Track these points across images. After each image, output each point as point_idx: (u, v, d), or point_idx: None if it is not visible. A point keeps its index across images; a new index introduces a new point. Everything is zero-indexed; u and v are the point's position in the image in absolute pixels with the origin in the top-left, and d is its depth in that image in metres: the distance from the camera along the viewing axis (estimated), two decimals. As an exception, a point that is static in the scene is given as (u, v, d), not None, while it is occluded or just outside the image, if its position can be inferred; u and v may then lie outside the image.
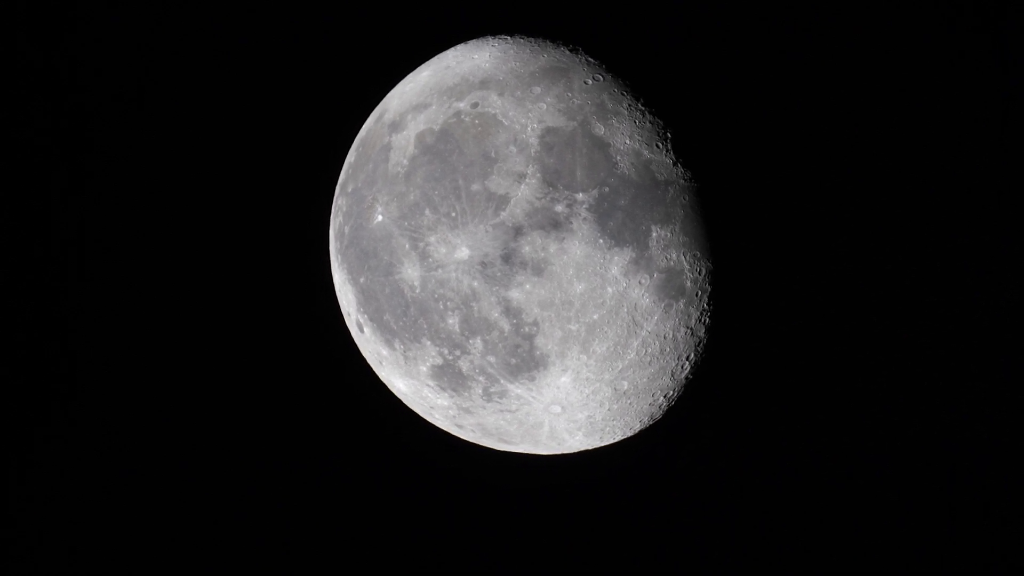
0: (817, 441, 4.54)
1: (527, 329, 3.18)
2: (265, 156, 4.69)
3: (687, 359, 3.42)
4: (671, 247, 3.18)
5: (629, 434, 3.73)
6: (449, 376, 3.37)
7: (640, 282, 3.17)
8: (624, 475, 4.60)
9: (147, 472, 4.79)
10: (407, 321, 3.32)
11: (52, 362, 4.74)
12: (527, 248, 3.11)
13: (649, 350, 3.28)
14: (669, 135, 3.24)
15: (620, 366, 3.28)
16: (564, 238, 3.10)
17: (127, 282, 4.73)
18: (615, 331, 3.20)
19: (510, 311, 3.16)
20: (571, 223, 3.10)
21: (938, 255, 4.43)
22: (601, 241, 3.11)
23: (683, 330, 3.31)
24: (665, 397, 3.52)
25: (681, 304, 3.26)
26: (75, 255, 4.73)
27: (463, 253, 3.16)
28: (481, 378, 3.32)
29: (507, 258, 3.11)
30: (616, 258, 3.13)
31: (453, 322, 3.23)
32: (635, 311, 3.20)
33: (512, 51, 3.41)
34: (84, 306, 4.77)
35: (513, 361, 3.24)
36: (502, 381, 3.30)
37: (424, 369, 3.42)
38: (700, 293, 3.28)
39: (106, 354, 4.79)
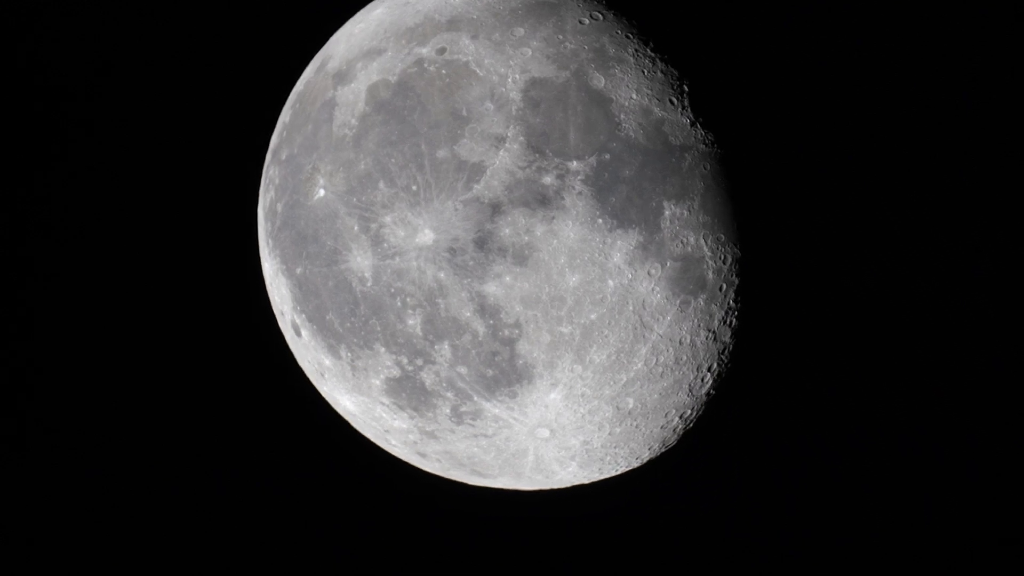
0: (866, 471, 4.37)
1: (507, 332, 3.12)
2: (178, 116, 4.73)
3: (708, 370, 3.39)
4: (688, 229, 3.12)
5: (635, 465, 3.74)
6: (409, 392, 3.33)
7: (649, 273, 3.10)
8: (629, 516, 4.51)
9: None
10: (356, 322, 3.28)
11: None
12: (507, 230, 3.05)
13: (661, 359, 3.24)
14: (686, 88, 3.19)
15: (624, 379, 3.24)
16: (554, 218, 3.03)
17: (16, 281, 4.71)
18: (618, 335, 3.15)
19: (486, 310, 3.11)
20: (563, 198, 3.03)
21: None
22: (600, 221, 3.05)
23: (703, 334, 3.27)
24: (681, 418, 3.51)
25: (701, 301, 3.21)
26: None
27: (426, 237, 3.11)
28: (449, 394, 3.28)
29: (482, 243, 3.06)
30: (619, 243, 3.06)
31: (414, 323, 3.17)
32: (643, 310, 3.14)
33: (489, -18, 3.38)
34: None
35: (489, 372, 3.20)
36: (476, 398, 3.28)
37: (377, 383, 3.37)
38: (725, 287, 3.23)
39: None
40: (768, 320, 3.42)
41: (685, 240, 3.11)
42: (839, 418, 4.38)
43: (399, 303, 3.15)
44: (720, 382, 3.45)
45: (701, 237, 3.13)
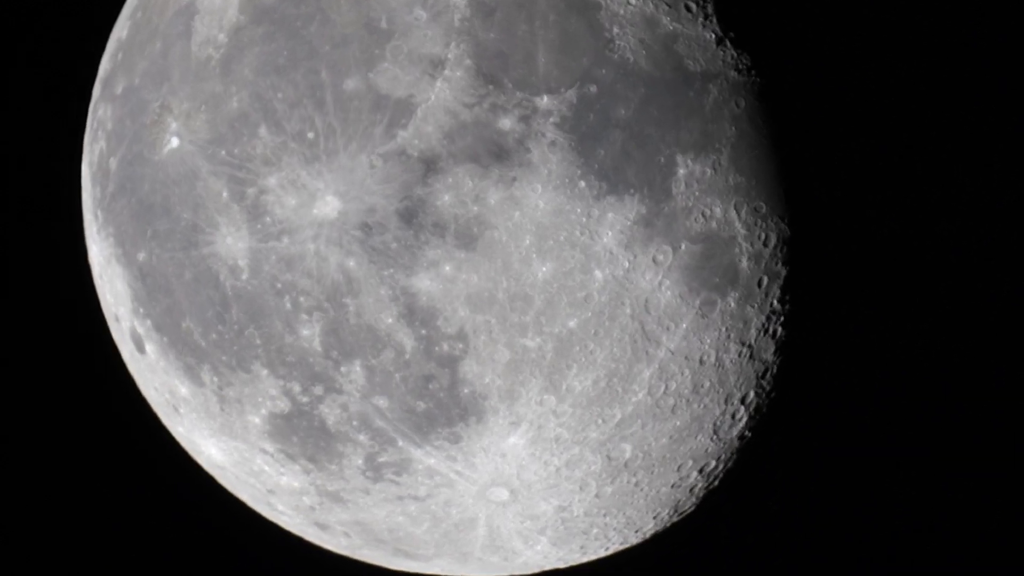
0: (957, 542, 3.98)
1: (447, 347, 2.85)
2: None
3: (741, 402, 3.12)
4: (713, 195, 2.82)
5: (635, 541, 3.51)
6: (303, 434, 3.04)
7: (656, 260, 2.82)
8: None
9: None
10: (225, 332, 3.01)
11: None
12: (447, 197, 2.79)
13: (672, 386, 2.98)
14: (709, -10, 3.01)
15: (618, 416, 2.98)
16: (515, 179, 2.77)
17: None
18: (609, 351, 2.88)
19: (416, 314, 2.83)
20: (528, 151, 2.76)
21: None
22: (583, 184, 2.77)
23: (735, 349, 3.00)
24: (700, 472, 3.27)
25: (731, 301, 2.92)
26: None
27: (329, 207, 2.85)
28: (362, 437, 3.01)
29: (410, 216, 2.80)
30: (611, 216, 2.79)
31: (310, 334, 2.89)
32: (646, 314, 2.87)
33: None
34: None
35: (421, 406, 2.93)
36: (401, 443, 3.04)
37: (256, 421, 3.10)
38: (766, 281, 2.93)
39: None
40: (827, 329, 3.05)
41: (708, 211, 2.81)
42: (921, 471, 4.03)
43: (288, 304, 2.86)
44: (758, 419, 3.15)
45: (732, 207, 2.83)
